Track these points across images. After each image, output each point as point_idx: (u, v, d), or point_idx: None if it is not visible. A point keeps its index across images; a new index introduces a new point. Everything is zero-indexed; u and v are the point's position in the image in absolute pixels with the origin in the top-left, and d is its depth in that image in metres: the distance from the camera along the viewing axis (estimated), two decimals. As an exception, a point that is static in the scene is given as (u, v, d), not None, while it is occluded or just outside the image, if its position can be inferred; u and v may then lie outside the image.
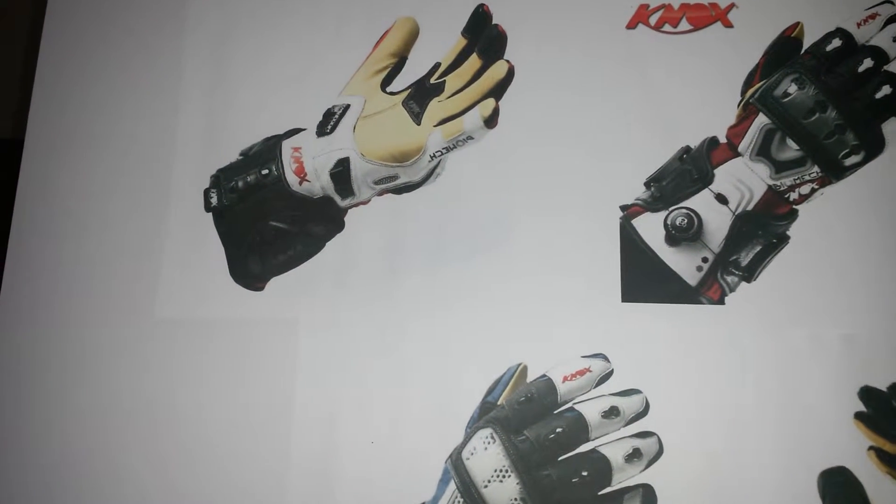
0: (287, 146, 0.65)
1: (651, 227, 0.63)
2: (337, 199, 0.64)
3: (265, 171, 0.64)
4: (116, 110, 0.69)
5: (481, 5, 0.66)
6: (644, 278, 0.62)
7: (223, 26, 0.70)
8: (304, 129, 0.66)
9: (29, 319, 0.66)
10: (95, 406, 0.64)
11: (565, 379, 0.59)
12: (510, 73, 0.63)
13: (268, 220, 0.64)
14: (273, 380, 0.63)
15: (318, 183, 0.64)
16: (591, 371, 0.60)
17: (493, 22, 0.66)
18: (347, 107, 0.65)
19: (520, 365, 0.61)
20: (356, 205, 0.65)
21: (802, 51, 0.64)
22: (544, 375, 0.60)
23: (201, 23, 0.70)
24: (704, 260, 0.62)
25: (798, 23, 0.65)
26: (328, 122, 0.65)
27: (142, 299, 0.65)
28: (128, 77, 0.70)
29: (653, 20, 0.66)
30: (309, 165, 0.64)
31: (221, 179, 0.65)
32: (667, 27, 0.66)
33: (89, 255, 0.67)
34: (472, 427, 0.60)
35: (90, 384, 0.64)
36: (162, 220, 0.67)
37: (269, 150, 0.65)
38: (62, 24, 0.71)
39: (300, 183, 0.64)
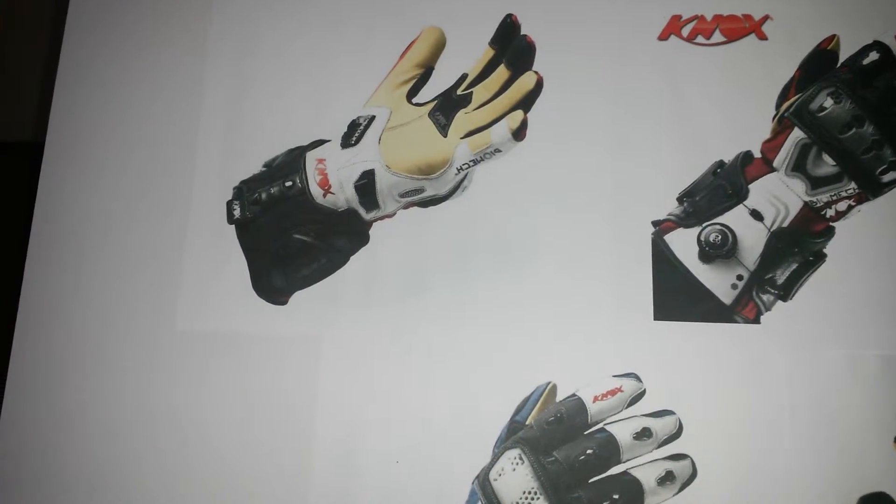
0: (311, 157, 0.64)
1: (684, 244, 0.61)
2: (362, 211, 0.63)
3: (289, 183, 0.63)
4: (137, 119, 0.68)
5: (509, 15, 0.65)
6: (677, 296, 0.61)
7: (246, 36, 0.69)
8: (329, 141, 0.65)
9: (47, 329, 0.65)
10: (114, 418, 0.63)
11: (596, 399, 0.58)
12: (539, 85, 0.63)
13: (291, 233, 0.63)
14: (295, 396, 0.62)
15: (343, 195, 0.63)
16: (622, 391, 0.58)
17: (522, 32, 0.65)
18: (373, 118, 0.64)
19: (549, 384, 0.60)
20: (381, 218, 0.64)
21: (839, 64, 0.63)
22: (574, 395, 0.59)
23: (224, 32, 0.69)
24: (739, 278, 0.61)
25: (834, 35, 0.63)
26: (353, 134, 0.64)
27: (163, 311, 0.64)
28: (149, 85, 0.69)
29: (685, 31, 0.65)
30: (333, 177, 0.63)
31: (244, 191, 0.64)
32: (700, 39, 0.65)
33: (109, 265, 0.66)
34: (500, 447, 0.58)
35: (109, 395, 0.63)
36: (183, 232, 0.65)
37: (292, 161, 0.65)
38: (83, 29, 0.70)
39: (324, 195, 0.63)
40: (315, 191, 0.63)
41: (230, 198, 0.65)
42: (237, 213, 0.64)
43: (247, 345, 0.63)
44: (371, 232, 0.64)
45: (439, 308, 0.62)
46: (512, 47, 0.64)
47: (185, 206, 0.66)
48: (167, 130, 0.68)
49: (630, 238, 0.62)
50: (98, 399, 0.64)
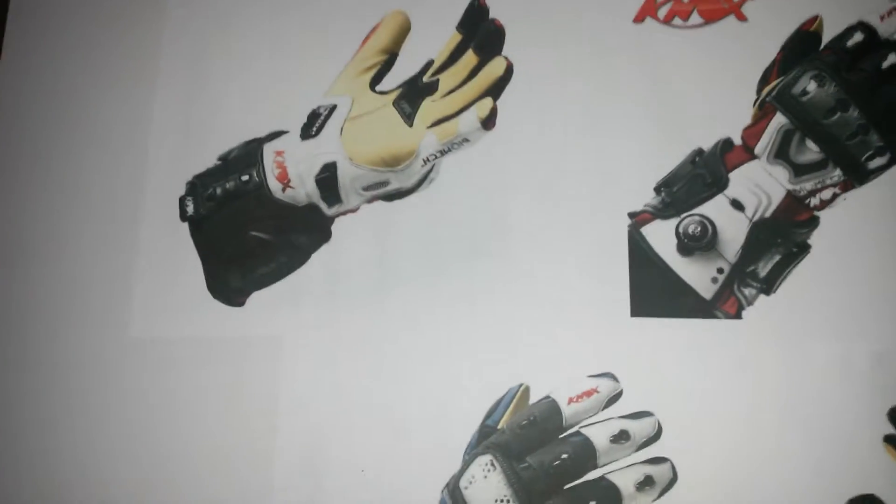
0: (269, 150, 0.61)
1: (662, 236, 0.58)
2: (323, 206, 0.60)
3: (245, 178, 0.60)
4: (84, 110, 0.64)
5: None
6: (655, 291, 0.58)
7: (201, 22, 0.65)
8: (288, 132, 0.62)
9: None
10: (68, 428, 0.59)
11: (571, 401, 0.55)
12: (508, 71, 0.60)
13: (248, 231, 0.60)
14: (255, 402, 0.58)
15: (303, 189, 0.59)
16: (598, 392, 0.55)
17: (490, 16, 0.62)
18: (334, 107, 0.61)
19: (521, 385, 0.57)
20: (344, 213, 0.61)
21: (822, 46, 0.60)
22: (548, 397, 0.56)
23: (179, 18, 0.65)
24: (720, 271, 0.58)
25: (817, 16, 0.60)
26: (313, 124, 0.61)
27: (114, 316, 0.61)
28: (96, 73, 0.65)
29: (662, 13, 0.62)
30: (293, 171, 0.59)
31: (198, 186, 0.61)
32: (677, 21, 0.62)
33: (58, 267, 0.62)
34: (471, 453, 0.55)
35: (62, 405, 0.60)
36: (134, 231, 0.62)
37: (249, 154, 0.61)
38: (27, 13, 0.66)
39: (283, 190, 0.59)
40: (273, 185, 0.59)
41: (183, 193, 0.61)
42: (190, 209, 0.61)
43: (204, 349, 0.60)
44: (333, 228, 0.61)
45: (406, 307, 0.59)
46: (480, 31, 0.61)
47: (135, 203, 0.62)
48: (116, 121, 0.64)
49: (605, 231, 0.59)
50: (49, 409, 0.60)
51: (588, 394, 0.55)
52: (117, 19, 0.66)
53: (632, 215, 0.60)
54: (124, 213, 0.62)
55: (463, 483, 0.55)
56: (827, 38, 0.60)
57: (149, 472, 0.59)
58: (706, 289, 0.58)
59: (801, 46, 0.60)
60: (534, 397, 0.56)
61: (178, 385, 0.60)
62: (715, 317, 0.58)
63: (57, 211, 0.63)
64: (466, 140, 0.59)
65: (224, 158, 0.62)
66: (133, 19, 0.66)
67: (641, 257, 0.58)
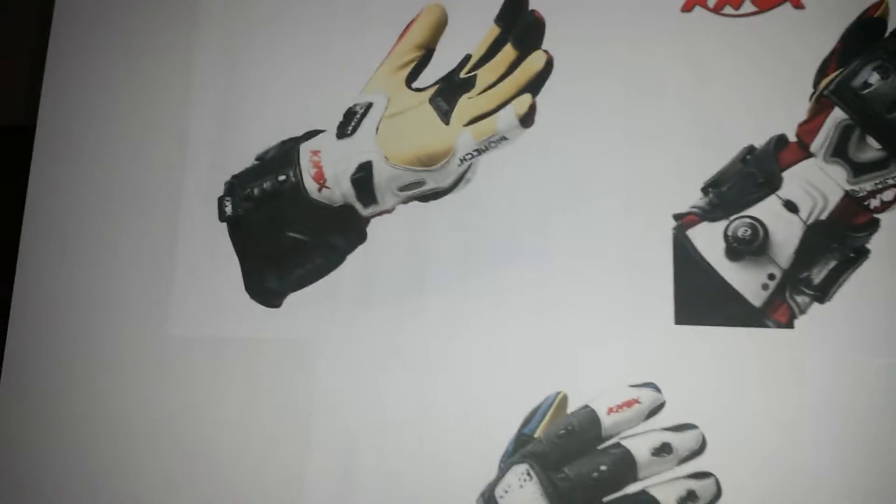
0: (305, 150, 0.60)
1: (709, 239, 0.56)
2: (359, 207, 0.59)
3: (282, 178, 0.60)
4: (123, 111, 0.65)
5: None
6: (701, 297, 0.55)
7: (236, 21, 0.65)
8: (324, 131, 0.61)
9: (38, 334, 0.63)
10: (104, 423, 0.61)
11: (611, 410, 0.53)
12: (548, 65, 0.58)
13: (285, 231, 0.60)
14: (288, 404, 0.59)
15: (339, 190, 0.59)
16: (640, 402, 0.54)
17: (530, 8, 0.60)
18: (370, 105, 0.60)
19: (559, 394, 0.55)
20: (379, 213, 0.60)
21: (887, 34, 0.56)
22: (587, 406, 0.54)
23: (213, 17, 0.65)
24: (771, 277, 0.55)
25: (882, 0, 0.57)
26: (349, 123, 0.60)
27: (153, 314, 0.61)
28: (135, 74, 0.65)
29: (711, 1, 0.59)
30: (329, 171, 0.59)
31: (236, 186, 0.61)
32: (727, 9, 0.59)
33: (98, 266, 0.63)
34: (507, 462, 0.54)
35: (99, 401, 0.61)
36: (173, 231, 0.62)
37: (286, 154, 0.61)
38: (71, 18, 0.67)
39: (319, 190, 0.59)
40: (310, 185, 0.59)
41: (221, 193, 0.62)
42: (229, 209, 0.61)
43: (239, 350, 0.60)
44: (369, 229, 0.60)
45: (441, 310, 0.58)
46: (519, 24, 0.59)
47: (174, 203, 0.63)
48: (154, 125, 0.65)
49: (649, 233, 0.57)
50: (87, 404, 0.61)
51: (629, 404, 0.53)
52: (152, 20, 0.66)
53: (677, 217, 0.57)
54: (164, 213, 0.63)
55: (498, 492, 0.54)
56: (892, 25, 0.56)
57: (177, 471, 0.59)
58: (756, 296, 0.55)
59: (864, 34, 0.56)
60: (572, 406, 0.55)
61: (213, 384, 0.60)
62: (765, 326, 0.55)
63: (98, 210, 0.64)
64: (504, 138, 0.58)
65: (261, 158, 0.62)
66: (167, 20, 0.66)
67: (687, 262, 0.56)
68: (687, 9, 0.59)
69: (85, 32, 0.67)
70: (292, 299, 0.60)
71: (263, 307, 0.61)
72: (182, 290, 0.62)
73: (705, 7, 0.59)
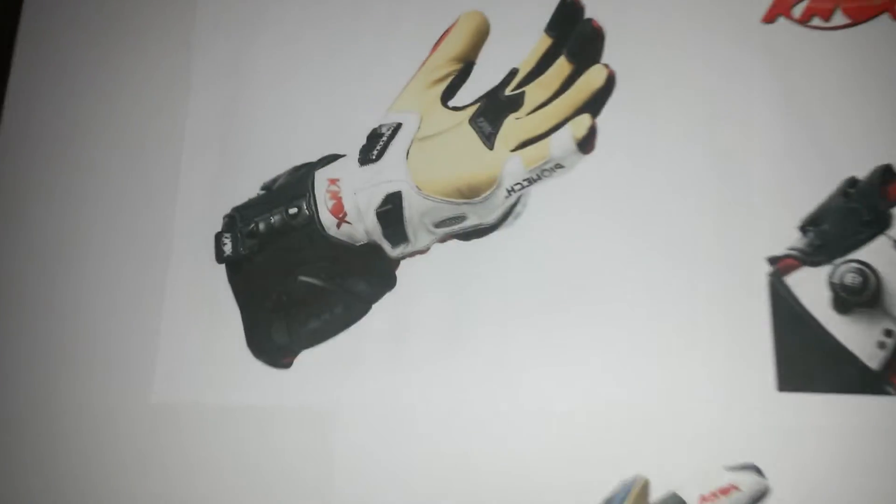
0: (321, 177, 0.53)
1: (812, 288, 0.48)
2: (386, 246, 0.52)
3: (293, 210, 0.52)
4: (109, 126, 0.57)
5: None
6: (806, 358, 0.48)
7: (241, 24, 0.58)
8: (344, 156, 0.54)
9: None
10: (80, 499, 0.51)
11: (703, 500, 0.45)
12: (610, 82, 0.50)
13: (297, 275, 0.52)
14: (303, 485, 0.50)
15: (362, 225, 0.51)
16: (739, 490, 0.45)
17: (586, 15, 0.53)
18: (398, 126, 0.53)
19: (638, 478, 0.47)
20: (412, 254, 0.53)
21: None
22: (673, 494, 0.46)
23: (213, 20, 0.58)
24: (888, 333, 0.47)
25: None
26: (374, 147, 0.53)
27: (135, 376, 0.52)
28: (121, 86, 0.58)
29: (797, 11, 0.53)
30: (349, 202, 0.51)
31: (238, 221, 0.53)
32: (816, 21, 0.52)
33: (73, 316, 0.54)
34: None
35: (75, 479, 0.51)
36: (161, 273, 0.54)
37: (298, 182, 0.53)
38: (40, 27, 0.59)
39: (338, 225, 0.51)
40: (327, 220, 0.51)
41: (220, 229, 0.53)
42: (228, 248, 0.53)
43: (240, 420, 0.51)
44: (399, 272, 0.53)
45: (485, 371, 0.50)
46: (574, 34, 0.52)
47: (164, 241, 0.55)
48: (144, 148, 0.57)
49: (740, 281, 0.49)
50: (63, 482, 0.51)
51: (725, 491, 0.44)
52: (142, 32, 0.59)
53: (772, 261, 0.50)
54: (150, 252, 0.55)
55: None
56: None
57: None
58: (871, 356, 0.47)
59: (978, 50, 0.50)
60: (655, 493, 0.46)
61: (206, 461, 0.51)
62: (886, 393, 0.47)
63: (71, 247, 0.55)
64: (560, 166, 0.50)
65: (268, 188, 0.55)
66: (160, 28, 0.58)
67: (787, 315, 0.48)
68: (769, 19, 0.53)
69: (59, 49, 0.59)
70: (305, 358, 0.52)
71: (269, 367, 0.52)
72: (170, 346, 0.53)
73: (790, 18, 0.53)
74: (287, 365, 0.53)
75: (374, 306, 0.53)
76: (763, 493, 0.45)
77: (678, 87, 0.53)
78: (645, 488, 0.46)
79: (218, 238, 0.54)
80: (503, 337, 0.51)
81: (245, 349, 0.53)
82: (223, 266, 0.54)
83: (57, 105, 0.58)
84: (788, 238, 0.50)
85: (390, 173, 0.52)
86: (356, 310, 0.53)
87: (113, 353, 0.53)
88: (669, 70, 0.53)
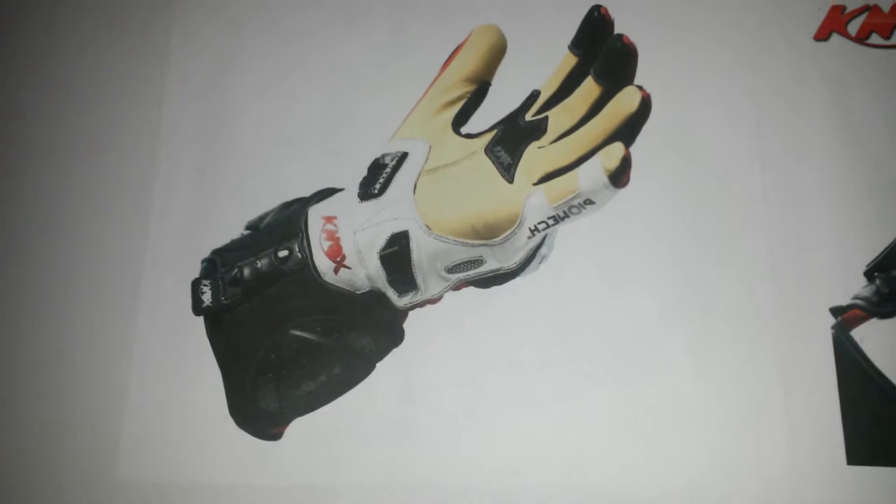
0: (316, 215, 0.48)
1: (882, 342, 0.44)
2: (392, 294, 0.46)
3: (283, 253, 0.46)
4: (63, 149, 0.51)
5: (597, 7, 0.47)
6: (879, 426, 0.43)
7: (222, 33, 0.52)
8: (342, 190, 0.49)
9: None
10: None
11: None
12: (645, 106, 0.44)
13: (288, 329, 0.46)
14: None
15: (363, 270, 0.45)
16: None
17: (617, 31, 0.47)
18: (404, 156, 0.48)
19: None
20: (421, 304, 0.47)
21: None
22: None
23: (192, 29, 0.52)
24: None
25: None
26: (376, 179, 0.47)
27: (98, 451, 0.46)
28: (90, 104, 0.51)
29: (853, 28, 0.49)
30: (349, 244, 0.46)
31: (218, 265, 0.48)
32: (874, 38, 0.48)
33: (32, 380, 0.47)
34: None
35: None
36: (129, 326, 0.48)
37: (288, 220, 0.48)
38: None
39: (336, 270, 0.46)
40: (322, 264, 0.45)
41: (197, 275, 0.47)
42: (208, 298, 0.47)
43: (222, 501, 0.44)
44: (407, 325, 0.48)
45: (508, 445, 0.44)
46: (603, 52, 0.46)
47: (131, 290, 0.48)
48: (105, 171, 0.50)
49: (799, 334, 0.45)
50: None
51: None
52: (113, 37, 0.52)
53: (836, 312, 0.45)
54: (115, 303, 0.48)
55: None
56: None
57: None
58: None
59: None
60: None
61: None
62: None
63: (32, 296, 0.48)
64: (590, 202, 0.44)
65: (254, 227, 0.50)
66: (128, 37, 0.52)
67: (855, 374, 0.44)
68: (822, 36, 0.48)
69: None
70: (297, 428, 0.46)
71: (255, 439, 0.46)
72: (137, 414, 0.46)
73: (845, 35, 0.48)
74: (276, 436, 0.47)
75: (379, 366, 0.47)
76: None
77: (720, 112, 0.48)
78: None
79: (195, 286, 0.48)
80: (528, 403, 0.45)
81: (226, 417, 0.47)
82: (201, 318, 0.48)
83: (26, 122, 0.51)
84: (853, 285, 0.45)
85: (395, 210, 0.46)
86: (357, 370, 0.47)
87: (79, 421, 0.46)
88: (710, 92, 0.48)
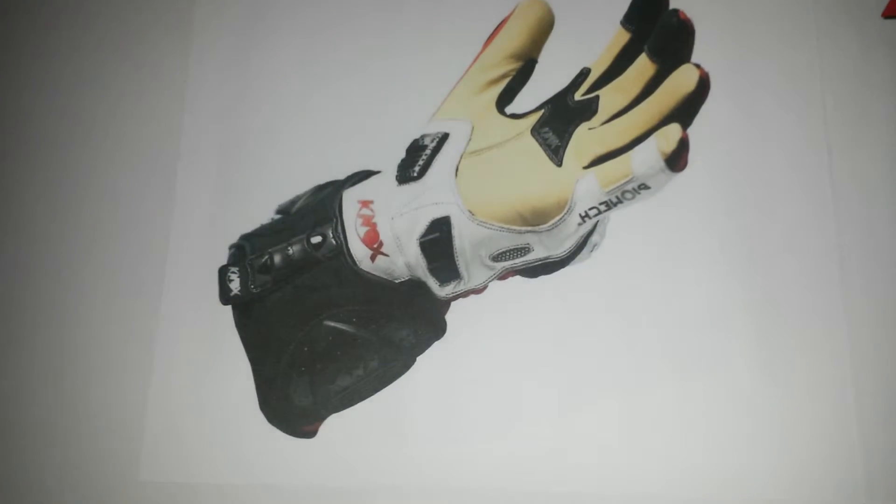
0: (351, 199, 0.45)
1: None
2: (433, 284, 0.44)
3: (316, 240, 0.44)
4: (91, 131, 0.48)
5: None
6: None
7: (247, 8, 0.49)
8: (378, 172, 0.46)
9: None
10: None
11: None
12: (703, 85, 0.41)
13: (322, 320, 0.43)
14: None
15: (402, 258, 0.43)
16: None
17: (672, 6, 0.44)
18: (445, 137, 0.45)
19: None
20: (465, 294, 0.45)
21: None
22: None
23: (215, 6, 0.49)
24: None
25: None
26: (415, 161, 0.45)
27: (122, 452, 0.43)
28: (112, 88, 0.48)
29: None
30: (386, 230, 0.43)
31: (247, 252, 0.45)
32: None
33: (49, 379, 0.45)
34: None
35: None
36: (152, 317, 0.45)
37: (322, 205, 0.46)
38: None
39: (373, 258, 0.43)
40: (358, 251, 0.43)
41: (225, 262, 0.45)
42: (236, 286, 0.44)
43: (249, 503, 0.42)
44: (449, 317, 0.45)
45: (566, 444, 0.41)
46: (658, 28, 0.43)
47: (154, 276, 0.46)
48: (129, 156, 0.47)
49: (871, 331, 0.41)
50: None
51: None
52: (131, 25, 0.50)
53: None
54: (138, 292, 0.45)
55: None
56: None
57: None
58: None
59: None
60: None
61: None
62: None
63: (54, 290, 0.46)
64: (645, 186, 0.41)
65: (285, 211, 0.47)
66: (154, 16, 0.50)
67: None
68: (891, 13, 0.45)
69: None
70: (332, 425, 0.43)
71: (288, 437, 0.43)
72: (161, 411, 0.44)
73: None
74: (309, 434, 0.45)
75: (419, 360, 0.45)
76: None
77: (784, 90, 0.45)
78: None
79: (223, 273, 0.45)
80: (581, 401, 0.42)
81: (256, 415, 0.44)
82: (229, 308, 0.45)
83: (43, 112, 0.49)
84: None
85: (436, 194, 0.44)
86: (397, 364, 0.45)
87: (94, 419, 0.44)
88: (773, 70, 0.45)
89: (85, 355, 0.45)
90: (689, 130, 0.42)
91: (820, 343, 0.43)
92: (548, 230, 0.43)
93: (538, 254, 0.44)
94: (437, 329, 0.45)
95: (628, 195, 0.43)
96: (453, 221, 0.43)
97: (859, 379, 0.42)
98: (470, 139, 0.45)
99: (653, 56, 0.44)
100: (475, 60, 0.47)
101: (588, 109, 0.45)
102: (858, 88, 0.46)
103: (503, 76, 0.46)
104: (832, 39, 0.46)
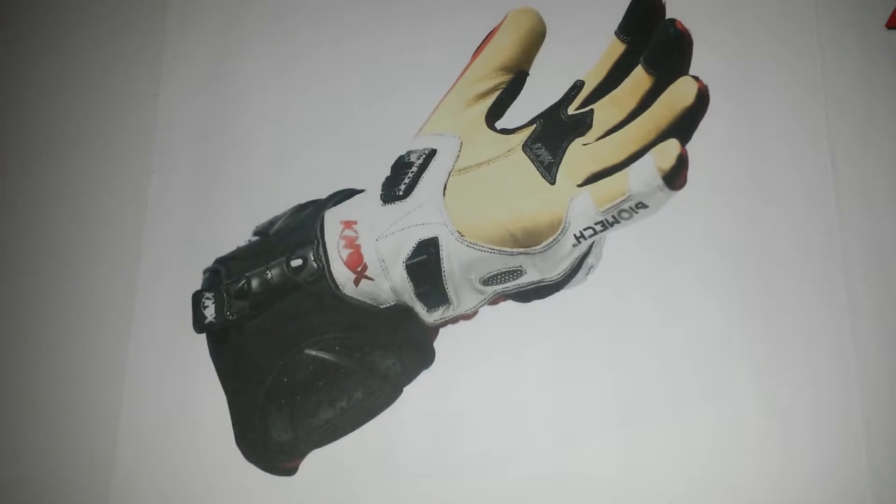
0: (334, 219, 0.43)
1: None
2: (420, 309, 0.42)
3: (297, 263, 0.42)
4: (60, 146, 0.46)
5: None
6: None
7: (222, 14, 0.48)
8: (362, 191, 0.45)
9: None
10: None
11: None
12: (702, 99, 0.39)
13: (302, 348, 0.41)
14: None
15: (387, 282, 0.41)
16: None
17: (669, 15, 0.42)
18: (432, 153, 0.44)
19: None
20: (453, 319, 0.43)
21: None
22: None
23: (189, 14, 0.48)
24: None
25: None
26: (401, 179, 0.43)
27: (92, 484, 0.41)
28: (82, 100, 0.47)
29: None
30: (370, 252, 0.41)
31: (223, 276, 0.43)
32: None
33: (18, 398, 0.43)
34: None
35: None
36: (121, 347, 0.43)
37: (302, 225, 0.44)
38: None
39: (356, 281, 0.42)
40: (341, 274, 0.41)
41: (199, 287, 0.43)
42: (211, 313, 0.42)
43: None
44: (438, 343, 0.44)
45: (561, 479, 0.40)
46: (654, 39, 0.42)
47: (123, 301, 0.44)
48: (96, 169, 0.46)
49: (879, 346, 0.40)
50: None
51: None
52: (114, 34, 0.49)
53: None
54: (108, 316, 0.44)
55: None
56: None
57: None
58: None
59: None
60: None
61: None
62: None
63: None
64: (642, 205, 0.39)
65: (263, 232, 0.46)
66: (124, 29, 0.48)
67: None
68: (894, 24, 0.44)
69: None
70: (314, 461, 0.41)
71: (265, 474, 0.41)
72: (133, 447, 0.42)
73: None
74: (290, 471, 0.43)
75: (406, 390, 0.44)
76: None
77: (786, 107, 0.44)
78: None
79: (196, 299, 0.43)
80: (578, 433, 0.41)
81: (233, 449, 0.41)
82: (203, 337, 0.44)
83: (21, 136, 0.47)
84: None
85: (423, 214, 0.42)
86: (382, 395, 0.43)
87: (64, 453, 0.42)
88: (775, 85, 0.44)
89: (50, 386, 0.43)
90: (689, 146, 0.41)
91: (826, 366, 0.41)
92: (541, 252, 0.41)
93: (531, 277, 0.42)
94: (424, 357, 0.43)
95: (625, 214, 0.41)
96: (441, 243, 0.41)
97: (867, 402, 0.41)
98: (458, 156, 0.44)
99: (649, 68, 0.42)
100: (463, 72, 0.46)
101: (582, 124, 0.43)
102: (862, 99, 0.45)
103: (493, 89, 0.45)
104: (835, 50, 0.45)
